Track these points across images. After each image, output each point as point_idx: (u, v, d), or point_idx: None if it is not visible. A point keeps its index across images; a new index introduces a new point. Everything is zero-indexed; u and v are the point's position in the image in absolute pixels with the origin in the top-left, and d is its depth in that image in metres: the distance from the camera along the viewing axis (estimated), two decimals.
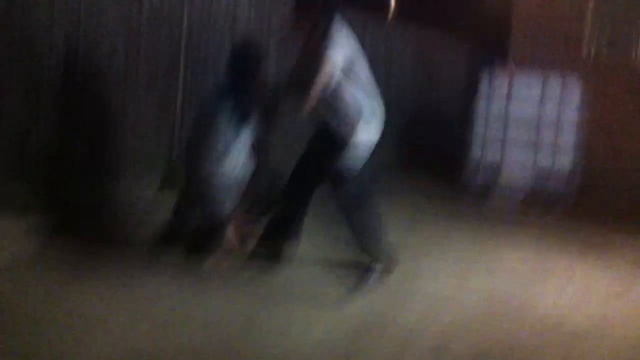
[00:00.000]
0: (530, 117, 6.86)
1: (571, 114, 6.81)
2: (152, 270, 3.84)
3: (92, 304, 3.30)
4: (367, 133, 3.79)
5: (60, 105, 4.30)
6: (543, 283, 4.44)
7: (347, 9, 3.91)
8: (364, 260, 4.01)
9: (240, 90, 3.75)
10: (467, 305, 3.89)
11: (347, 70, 3.64)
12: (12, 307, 3.12)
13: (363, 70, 3.76)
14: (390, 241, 4.17)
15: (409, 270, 4.37)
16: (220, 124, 3.66)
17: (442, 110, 9.08)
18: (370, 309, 3.65)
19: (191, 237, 3.95)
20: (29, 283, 3.44)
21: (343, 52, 3.60)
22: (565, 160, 6.84)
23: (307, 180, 3.89)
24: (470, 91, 7.22)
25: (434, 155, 8.37)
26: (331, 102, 3.70)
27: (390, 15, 9.80)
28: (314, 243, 4.45)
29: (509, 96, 6.94)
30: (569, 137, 6.82)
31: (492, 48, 8.82)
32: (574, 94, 6.85)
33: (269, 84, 4.09)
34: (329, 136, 3.74)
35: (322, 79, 3.56)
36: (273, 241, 4.04)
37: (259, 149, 3.89)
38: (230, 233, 3.81)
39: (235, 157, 3.74)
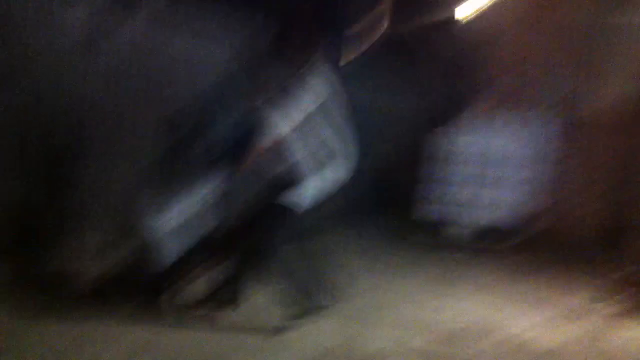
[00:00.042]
0: (483, 154, 7.03)
1: (522, 151, 7.04)
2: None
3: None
4: (334, 172, 3.87)
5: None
6: (500, 311, 4.59)
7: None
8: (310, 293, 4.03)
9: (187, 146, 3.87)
10: (429, 331, 4.01)
11: (316, 114, 3.76)
12: None
13: (332, 114, 3.86)
14: (341, 276, 4.25)
15: (372, 297, 4.52)
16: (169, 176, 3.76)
17: (396, 149, 9.24)
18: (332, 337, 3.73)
19: (144, 282, 3.93)
20: None
21: (304, 102, 3.71)
22: (518, 196, 6.99)
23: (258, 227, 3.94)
24: (424, 130, 7.38)
25: (389, 193, 8.52)
26: (295, 144, 3.80)
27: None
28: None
29: (461, 134, 7.12)
30: (520, 173, 6.98)
31: (446, 89, 9.12)
32: (524, 132, 7.05)
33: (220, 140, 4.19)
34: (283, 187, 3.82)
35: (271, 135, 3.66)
36: (228, 286, 4.04)
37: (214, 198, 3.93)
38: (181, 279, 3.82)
39: (187, 208, 3.79)
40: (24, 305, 3.84)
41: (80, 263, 4.34)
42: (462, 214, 7.04)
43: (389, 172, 8.83)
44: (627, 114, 7.18)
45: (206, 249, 3.99)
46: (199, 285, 4.05)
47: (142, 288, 3.91)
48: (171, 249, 3.82)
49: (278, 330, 3.74)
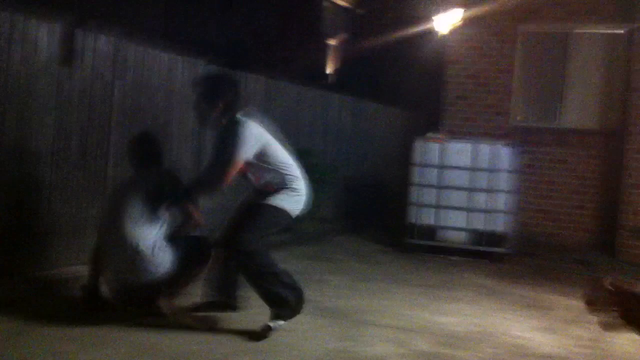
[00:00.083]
0: (463, 183, 7.16)
1: (500, 179, 7.15)
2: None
3: None
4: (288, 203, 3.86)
5: None
6: (501, 315, 4.61)
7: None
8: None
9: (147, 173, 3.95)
10: (430, 334, 4.03)
11: (260, 155, 3.75)
12: None
13: (277, 152, 3.85)
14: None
15: (373, 301, 4.53)
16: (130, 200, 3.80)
17: (383, 176, 9.36)
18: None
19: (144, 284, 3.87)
20: None
21: (250, 145, 3.70)
22: (496, 223, 7.09)
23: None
24: (406, 158, 7.51)
25: (374, 219, 8.60)
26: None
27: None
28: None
29: (444, 163, 7.25)
30: (499, 200, 7.10)
31: (426, 119, 9.30)
32: (503, 160, 7.21)
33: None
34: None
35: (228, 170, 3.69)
36: (222, 294, 4.01)
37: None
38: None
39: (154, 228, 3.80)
40: (26, 308, 3.81)
41: (80, 267, 4.31)
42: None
43: (385, 177, 8.98)
44: None
45: (203, 252, 3.98)
46: (199, 287, 4.04)
47: (142, 291, 3.84)
48: (168, 253, 3.80)
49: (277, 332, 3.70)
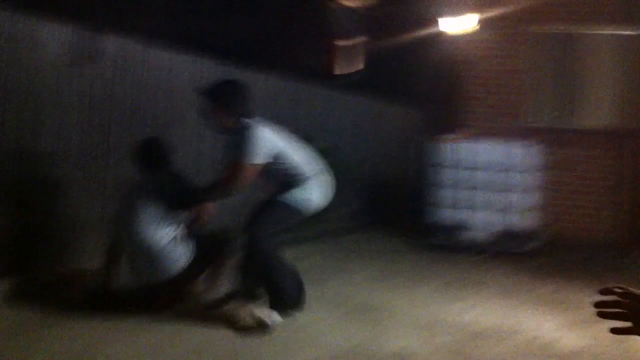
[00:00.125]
0: (485, 182, 7.15)
1: (523, 177, 7.12)
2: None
3: None
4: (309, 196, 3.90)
5: None
6: (523, 312, 4.59)
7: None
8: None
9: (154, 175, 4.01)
10: (453, 331, 4.01)
11: (275, 157, 3.80)
12: None
13: (292, 152, 3.90)
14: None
15: (396, 298, 4.49)
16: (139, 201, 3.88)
17: (405, 174, 9.36)
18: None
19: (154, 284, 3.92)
20: None
21: (263, 150, 3.74)
22: (520, 222, 7.06)
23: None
24: (427, 158, 7.52)
25: (398, 216, 8.60)
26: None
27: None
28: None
29: (467, 162, 7.25)
30: (523, 199, 7.08)
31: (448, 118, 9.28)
32: (526, 159, 7.19)
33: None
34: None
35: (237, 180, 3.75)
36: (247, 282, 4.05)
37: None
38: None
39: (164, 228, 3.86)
40: (38, 307, 3.86)
41: (91, 267, 4.38)
42: (473, 239, 7.10)
43: (407, 176, 8.99)
44: None
45: (222, 244, 4.05)
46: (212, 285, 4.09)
47: (166, 288, 3.90)
48: (185, 248, 3.87)
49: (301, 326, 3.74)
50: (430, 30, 9.25)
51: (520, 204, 7.00)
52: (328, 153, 6.40)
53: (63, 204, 4.47)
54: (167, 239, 3.81)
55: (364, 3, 10.22)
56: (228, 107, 3.81)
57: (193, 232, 3.96)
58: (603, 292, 1.36)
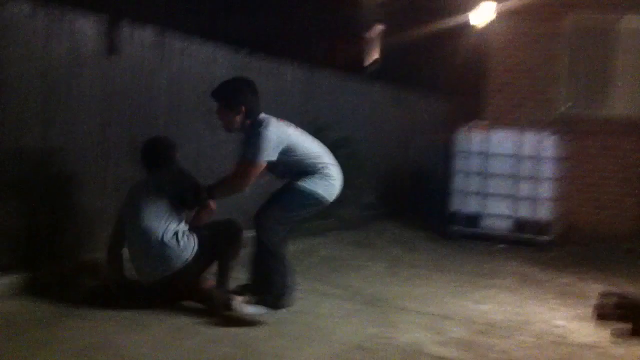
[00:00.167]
0: (508, 172, 7.12)
1: (546, 169, 7.08)
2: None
3: None
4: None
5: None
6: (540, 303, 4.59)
7: None
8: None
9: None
10: (469, 321, 4.04)
11: (288, 150, 3.81)
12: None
13: (305, 144, 3.91)
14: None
15: (413, 288, 4.53)
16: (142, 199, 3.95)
17: (424, 164, 9.33)
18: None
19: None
20: None
21: (273, 145, 3.76)
22: (541, 212, 7.02)
23: None
24: (451, 147, 7.50)
25: (416, 206, 8.60)
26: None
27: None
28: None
29: (488, 151, 7.21)
30: (544, 188, 7.03)
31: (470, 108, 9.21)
32: (548, 150, 7.13)
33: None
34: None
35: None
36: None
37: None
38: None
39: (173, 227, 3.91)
40: (56, 300, 3.89)
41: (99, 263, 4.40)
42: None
43: (427, 165, 8.96)
44: None
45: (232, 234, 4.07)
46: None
47: (178, 279, 3.94)
48: (192, 239, 3.92)
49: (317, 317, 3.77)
50: (460, 18, 9.22)
51: (543, 194, 6.96)
52: (346, 142, 6.46)
53: (79, 198, 4.54)
54: (174, 230, 3.87)
55: None
56: (239, 104, 3.85)
57: (196, 228, 4.00)
58: (604, 295, 1.40)
